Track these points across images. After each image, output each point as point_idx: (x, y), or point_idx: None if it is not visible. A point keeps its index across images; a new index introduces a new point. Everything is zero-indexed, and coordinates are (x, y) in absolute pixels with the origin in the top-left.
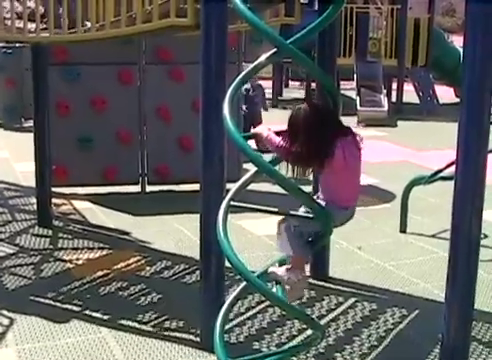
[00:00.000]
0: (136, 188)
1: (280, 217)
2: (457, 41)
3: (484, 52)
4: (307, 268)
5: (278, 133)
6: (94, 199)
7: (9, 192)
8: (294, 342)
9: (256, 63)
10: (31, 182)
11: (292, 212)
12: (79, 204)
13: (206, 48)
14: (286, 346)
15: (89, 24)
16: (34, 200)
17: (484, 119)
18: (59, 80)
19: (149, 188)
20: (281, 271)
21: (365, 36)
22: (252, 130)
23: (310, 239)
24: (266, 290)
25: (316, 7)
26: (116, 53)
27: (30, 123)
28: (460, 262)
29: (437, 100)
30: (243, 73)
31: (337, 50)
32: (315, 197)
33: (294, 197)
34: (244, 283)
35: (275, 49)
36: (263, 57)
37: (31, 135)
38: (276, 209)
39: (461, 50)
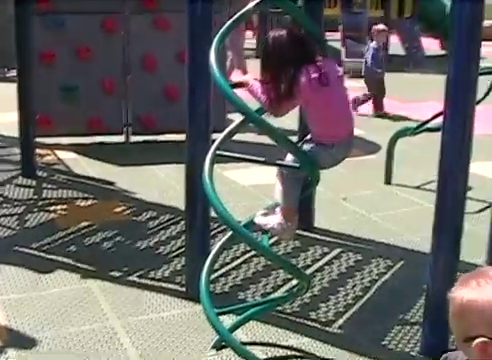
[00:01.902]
0: (120, 138)
1: (265, 167)
2: None
3: (473, 2)
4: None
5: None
6: (78, 149)
7: None
8: (279, 292)
9: (244, 11)
10: (14, 132)
11: (279, 161)
12: (63, 154)
13: None
14: (271, 296)
15: None
16: (18, 150)
17: (472, 70)
18: (43, 29)
19: (133, 138)
20: (268, 220)
21: None
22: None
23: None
24: (252, 239)
25: None
26: (100, 2)
27: (14, 73)
28: (446, 214)
29: (423, 52)
30: (230, 20)
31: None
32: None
33: (280, 146)
34: (230, 233)
35: None
36: (251, 4)
37: (15, 85)
38: (263, 158)
39: (447, 2)
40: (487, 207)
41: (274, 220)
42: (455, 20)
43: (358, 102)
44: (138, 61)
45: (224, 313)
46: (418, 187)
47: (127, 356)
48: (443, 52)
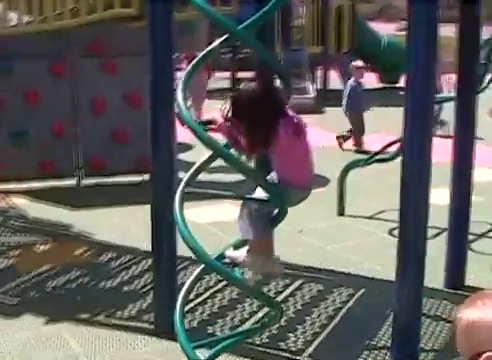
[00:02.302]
0: (72, 181)
1: (220, 204)
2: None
3: (427, 38)
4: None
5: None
6: (31, 194)
7: None
8: (247, 324)
9: (209, 48)
10: None
11: (248, 196)
12: (17, 200)
13: (153, 38)
14: (240, 329)
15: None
16: None
17: (428, 102)
18: None
19: (85, 180)
20: (239, 254)
21: (288, 24)
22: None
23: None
24: (228, 273)
25: None
26: (47, 47)
27: None
28: (410, 241)
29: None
30: (196, 59)
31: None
32: (269, 177)
33: (249, 180)
34: (199, 269)
35: (226, 35)
36: (216, 43)
37: None
38: (232, 193)
39: (382, 36)
40: (440, 233)
41: (244, 253)
42: (411, 52)
43: (344, 138)
44: (87, 104)
45: (200, 346)
46: (371, 217)
47: None
48: (381, 85)
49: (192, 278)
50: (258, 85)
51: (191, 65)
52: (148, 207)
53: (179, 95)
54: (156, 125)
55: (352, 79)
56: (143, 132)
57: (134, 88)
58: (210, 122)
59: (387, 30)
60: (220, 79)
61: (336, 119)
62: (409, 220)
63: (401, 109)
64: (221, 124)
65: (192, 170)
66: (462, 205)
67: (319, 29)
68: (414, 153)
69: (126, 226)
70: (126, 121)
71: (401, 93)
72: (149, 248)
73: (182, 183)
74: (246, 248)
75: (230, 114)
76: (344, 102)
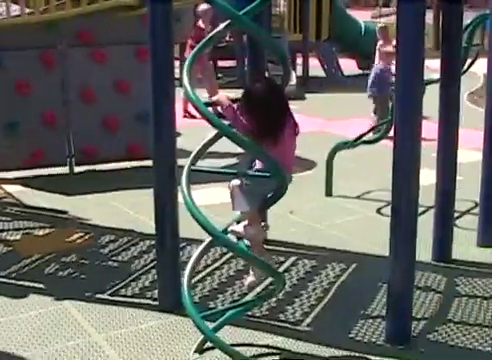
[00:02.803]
0: (64, 169)
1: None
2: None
3: (416, 24)
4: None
5: (235, 101)
6: (24, 182)
7: None
8: (246, 299)
9: (213, 33)
10: None
11: (250, 172)
12: (10, 188)
13: (153, 26)
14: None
15: None
16: None
17: (417, 85)
18: None
19: (77, 169)
20: (239, 228)
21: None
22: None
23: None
24: (234, 245)
25: None
26: (37, 37)
27: None
28: (402, 217)
29: (341, 72)
30: (201, 42)
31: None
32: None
33: (257, 157)
34: (202, 245)
35: (228, 21)
36: (220, 27)
37: None
38: (234, 170)
39: (361, 23)
40: (425, 211)
41: (245, 227)
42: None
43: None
44: (77, 93)
45: (207, 316)
46: (358, 197)
47: None
48: (360, 72)
49: (197, 253)
50: (266, 82)
51: (195, 50)
52: (139, 191)
53: (185, 78)
54: (158, 111)
55: (380, 64)
56: (132, 119)
57: (123, 76)
58: (215, 103)
59: (363, 17)
60: None
61: (317, 105)
62: (402, 197)
63: None
64: (229, 107)
65: (197, 149)
66: (448, 185)
67: (298, 17)
68: (405, 133)
69: (120, 210)
70: (116, 109)
71: None
72: (145, 230)
73: (188, 162)
74: (246, 222)
75: (242, 103)
76: (369, 86)
